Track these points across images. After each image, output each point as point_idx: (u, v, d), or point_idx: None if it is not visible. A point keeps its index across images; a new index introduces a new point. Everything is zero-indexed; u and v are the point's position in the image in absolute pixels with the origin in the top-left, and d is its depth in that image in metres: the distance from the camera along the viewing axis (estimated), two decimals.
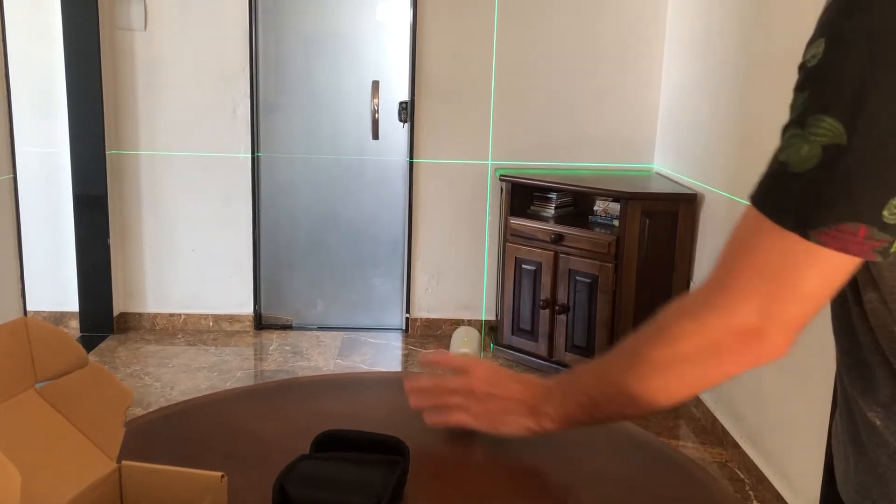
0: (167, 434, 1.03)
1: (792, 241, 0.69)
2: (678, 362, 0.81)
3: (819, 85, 0.68)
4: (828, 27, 0.68)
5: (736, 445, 2.89)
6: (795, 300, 0.73)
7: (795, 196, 0.69)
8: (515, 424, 0.98)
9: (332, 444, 0.95)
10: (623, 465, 1.03)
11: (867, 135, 0.64)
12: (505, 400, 0.99)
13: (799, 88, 0.70)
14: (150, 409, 3.17)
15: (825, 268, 0.70)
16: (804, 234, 0.68)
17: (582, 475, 1.00)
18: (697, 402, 3.26)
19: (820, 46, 0.68)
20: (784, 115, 0.71)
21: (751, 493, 2.68)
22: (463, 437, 1.03)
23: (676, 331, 0.80)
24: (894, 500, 0.79)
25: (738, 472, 2.81)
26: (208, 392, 3.34)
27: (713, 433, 3.09)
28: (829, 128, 0.66)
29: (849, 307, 0.82)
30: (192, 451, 0.98)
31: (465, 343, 1.19)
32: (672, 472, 1.02)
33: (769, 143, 0.73)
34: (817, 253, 0.69)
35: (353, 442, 0.95)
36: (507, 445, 1.03)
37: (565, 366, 3.55)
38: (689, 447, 3.02)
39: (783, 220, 0.70)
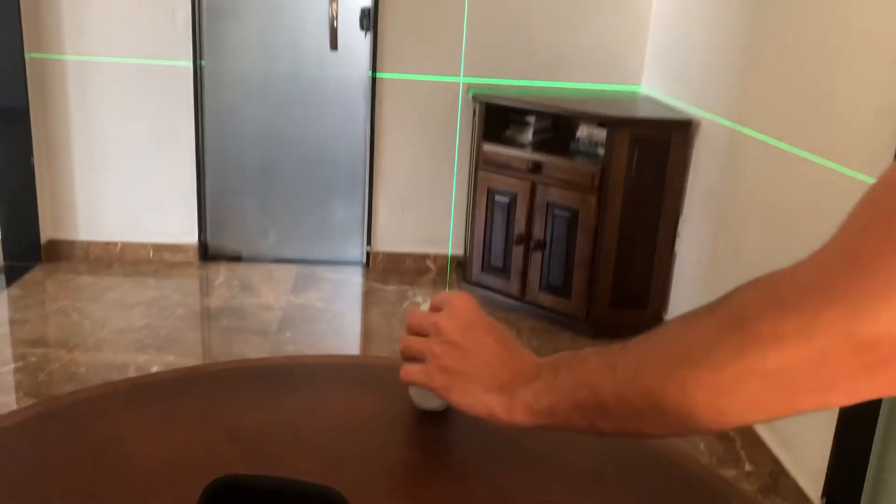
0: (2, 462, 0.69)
1: None
2: (760, 378, 0.51)
3: None
4: None
5: None
6: None
7: None
8: (474, 399, 0.69)
9: (231, 496, 0.62)
10: None
11: None
12: (472, 358, 0.70)
13: None
14: (74, 351, 2.83)
15: None
16: None
17: None
18: None
19: None
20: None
21: (742, 453, 2.44)
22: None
23: (765, 329, 0.50)
24: None
25: (728, 431, 2.56)
26: (143, 330, 3.00)
27: None
28: None
29: None
30: (32, 490, 0.65)
31: None
32: None
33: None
34: None
35: (263, 494, 0.62)
36: (483, 488, 0.71)
37: (539, 307, 3.26)
38: None
39: None
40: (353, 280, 3.69)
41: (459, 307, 0.74)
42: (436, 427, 0.80)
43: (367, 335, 3.16)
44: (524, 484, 0.73)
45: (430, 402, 0.80)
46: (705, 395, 0.54)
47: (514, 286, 3.33)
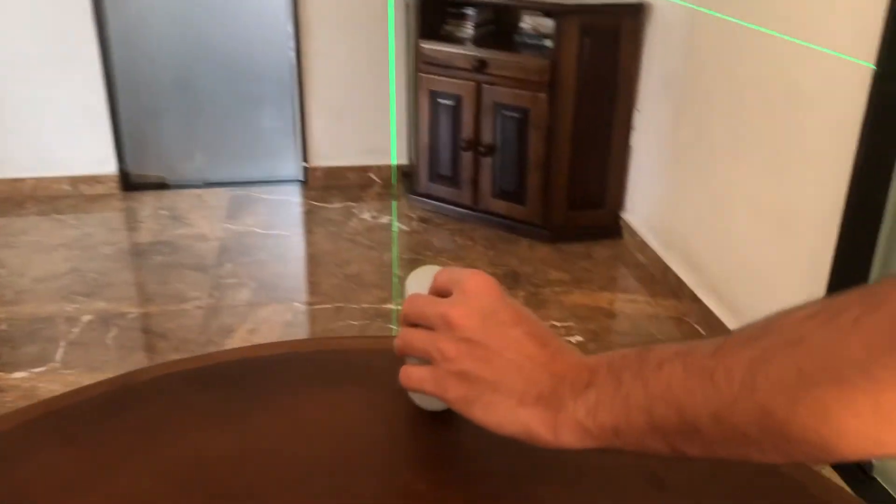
0: None
1: None
2: None
3: None
4: None
5: (695, 298, 2.55)
6: None
7: None
8: (504, 415, 0.52)
9: None
10: None
11: None
12: (498, 360, 0.53)
13: None
14: None
15: None
16: None
17: None
18: (643, 246, 2.90)
19: None
20: None
21: (698, 327, 2.37)
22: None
23: None
24: None
25: (699, 328, 2.49)
26: (69, 276, 2.72)
27: (664, 283, 2.74)
28: None
29: None
30: None
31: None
32: None
33: None
34: None
35: None
36: None
37: (493, 215, 3.10)
38: (638, 300, 2.67)
39: None
40: (292, 200, 3.46)
41: (475, 291, 0.55)
42: (445, 433, 0.63)
43: (313, 260, 2.96)
44: (566, 501, 0.57)
45: (434, 403, 0.63)
46: (859, 422, 0.39)
47: (465, 195, 3.15)
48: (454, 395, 0.55)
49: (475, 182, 3.11)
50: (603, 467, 0.60)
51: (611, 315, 2.57)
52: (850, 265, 1.82)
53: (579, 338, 2.40)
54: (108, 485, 0.57)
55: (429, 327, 0.57)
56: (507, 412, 0.53)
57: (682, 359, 0.46)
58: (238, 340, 2.39)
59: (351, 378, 0.70)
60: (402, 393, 0.65)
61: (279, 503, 0.55)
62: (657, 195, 2.82)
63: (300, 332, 2.45)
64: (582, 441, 0.50)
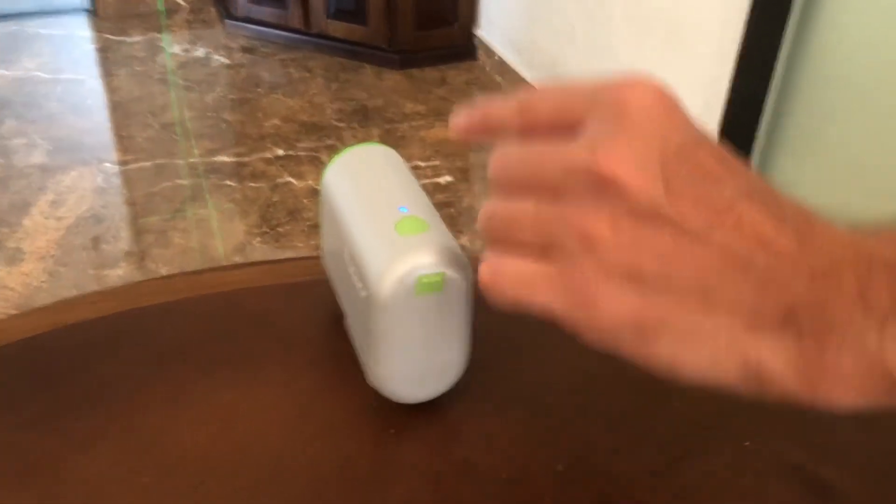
0: None
1: None
2: None
3: None
4: None
5: None
6: None
7: None
8: (719, 346, 0.26)
9: None
10: None
11: None
12: (708, 250, 0.25)
13: None
14: None
15: None
16: None
17: None
18: (502, 66, 2.62)
19: None
20: None
21: None
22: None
23: None
24: None
25: None
26: None
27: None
28: None
29: None
30: None
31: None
32: None
33: None
34: None
35: None
36: None
37: (330, 39, 2.68)
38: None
39: None
40: (80, 34, 2.84)
41: (644, 113, 0.27)
42: (442, 447, 0.35)
43: (119, 109, 2.45)
44: None
45: (418, 386, 0.35)
46: None
47: (294, 16, 2.69)
48: (613, 313, 0.27)
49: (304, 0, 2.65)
50: (736, 466, 0.34)
51: (478, 149, 2.32)
52: (754, 79, 1.64)
53: (448, 178, 2.14)
54: None
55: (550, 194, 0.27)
56: (725, 341, 0.26)
57: None
58: (38, 216, 1.94)
59: (251, 354, 0.39)
60: (354, 374, 0.36)
61: None
62: (517, 7, 2.51)
63: (116, 199, 2.02)
64: (883, 396, 0.25)
